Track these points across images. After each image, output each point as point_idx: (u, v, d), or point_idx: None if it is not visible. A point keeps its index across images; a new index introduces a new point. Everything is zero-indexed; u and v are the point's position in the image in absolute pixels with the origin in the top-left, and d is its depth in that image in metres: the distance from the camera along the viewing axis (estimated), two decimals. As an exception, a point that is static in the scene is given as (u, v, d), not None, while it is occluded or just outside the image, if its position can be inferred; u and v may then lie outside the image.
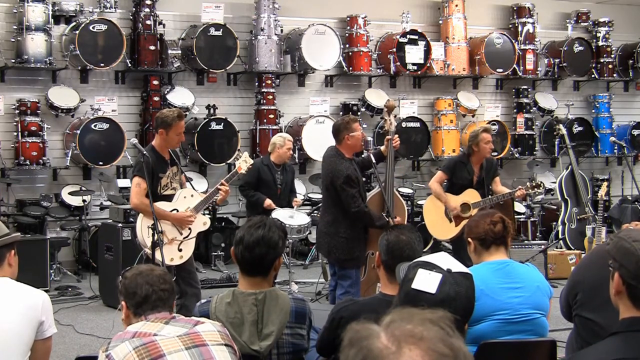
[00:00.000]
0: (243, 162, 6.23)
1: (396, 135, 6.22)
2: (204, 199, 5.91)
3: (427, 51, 10.60)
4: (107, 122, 8.90)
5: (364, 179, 6.37)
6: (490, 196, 6.88)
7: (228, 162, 9.59)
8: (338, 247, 5.90)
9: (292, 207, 7.66)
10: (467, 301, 2.14)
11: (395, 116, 6.49)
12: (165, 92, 9.49)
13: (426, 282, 2.13)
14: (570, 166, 10.18)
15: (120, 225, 7.27)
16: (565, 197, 10.01)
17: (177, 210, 5.77)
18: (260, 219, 3.04)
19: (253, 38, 9.85)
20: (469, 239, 3.57)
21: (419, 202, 10.03)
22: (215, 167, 9.68)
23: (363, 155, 6.39)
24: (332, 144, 6.06)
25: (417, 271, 2.16)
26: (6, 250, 3.27)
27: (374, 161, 6.10)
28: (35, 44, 8.70)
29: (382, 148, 6.24)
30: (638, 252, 2.13)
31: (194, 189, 6.01)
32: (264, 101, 9.86)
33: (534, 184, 7.02)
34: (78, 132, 8.74)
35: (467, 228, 3.61)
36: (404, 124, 10.38)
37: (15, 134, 8.72)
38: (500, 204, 6.86)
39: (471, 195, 6.87)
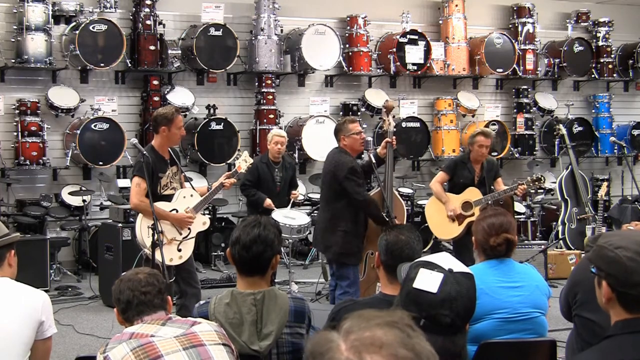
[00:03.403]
0: (243, 161, 6.25)
1: (394, 137, 6.22)
2: (204, 198, 5.90)
3: (427, 51, 10.60)
4: (107, 122, 8.90)
5: (366, 179, 6.37)
6: (491, 193, 6.88)
7: (228, 162, 9.59)
8: (337, 242, 5.90)
9: (290, 202, 7.67)
10: (468, 301, 2.14)
11: (394, 116, 6.49)
12: (165, 92, 9.49)
13: (427, 281, 2.13)
14: (570, 166, 10.18)
15: (120, 225, 7.27)
16: (565, 197, 10.01)
17: (177, 211, 5.77)
18: (254, 218, 3.05)
19: (253, 38, 9.85)
20: (474, 238, 3.57)
21: (419, 202, 10.03)
22: (215, 167, 9.68)
23: (363, 156, 6.39)
24: (333, 144, 6.09)
25: (418, 271, 2.16)
26: (6, 251, 3.27)
27: (374, 161, 6.10)
28: (35, 44, 8.70)
29: (379, 149, 6.23)
30: (623, 260, 2.11)
31: (193, 188, 6.00)
32: (264, 101, 9.86)
33: (534, 178, 7.01)
34: (78, 132, 8.74)
35: (475, 228, 3.58)
36: (404, 124, 10.38)
37: (15, 134, 8.73)
38: (500, 204, 6.85)
39: (472, 194, 6.87)
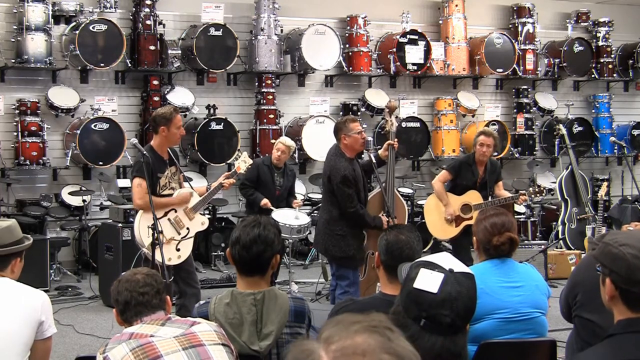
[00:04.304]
0: (242, 162, 6.26)
1: (396, 139, 6.23)
2: (203, 197, 5.92)
3: (427, 51, 10.59)
4: (107, 122, 8.90)
5: (366, 179, 6.37)
6: (492, 199, 6.87)
7: (228, 162, 9.59)
8: (334, 245, 5.91)
9: (292, 207, 7.67)
10: (468, 301, 2.14)
11: (396, 117, 6.49)
12: (165, 92, 9.49)
13: (428, 281, 2.13)
14: (570, 166, 10.18)
15: (120, 225, 7.27)
16: (565, 197, 10.01)
17: (175, 210, 5.79)
18: (254, 218, 3.04)
19: (253, 38, 9.85)
20: (475, 238, 3.56)
21: (419, 202, 10.03)
22: (215, 167, 9.68)
23: (363, 156, 6.40)
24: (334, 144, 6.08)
25: (419, 271, 2.16)
26: (12, 258, 3.26)
27: (374, 161, 6.10)
28: (35, 44, 8.70)
29: (381, 151, 6.24)
30: (627, 257, 2.12)
31: (192, 188, 6.01)
32: (264, 101, 9.86)
33: (536, 190, 7.02)
34: (78, 132, 8.73)
35: (476, 228, 3.57)
36: (404, 124, 10.38)
37: (15, 134, 8.72)
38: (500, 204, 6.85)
39: (473, 197, 6.87)
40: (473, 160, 6.96)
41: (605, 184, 9.12)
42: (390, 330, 1.26)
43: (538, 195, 7.00)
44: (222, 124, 9.47)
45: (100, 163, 8.92)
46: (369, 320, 1.28)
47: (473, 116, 11.15)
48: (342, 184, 5.77)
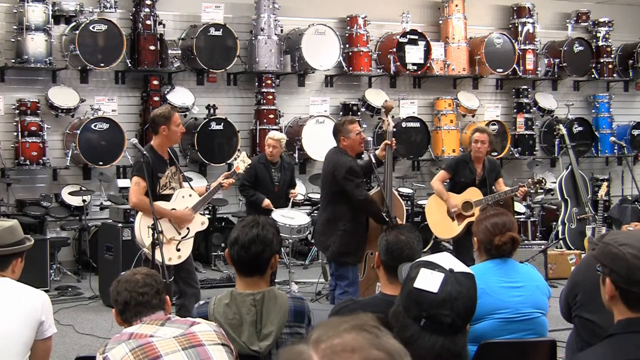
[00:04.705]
0: (241, 162, 6.25)
1: (393, 139, 6.24)
2: (203, 198, 5.91)
3: (427, 51, 10.59)
4: (107, 122, 8.90)
5: (364, 179, 6.38)
6: (492, 194, 6.87)
7: (228, 162, 9.59)
8: (336, 241, 5.91)
9: (290, 202, 7.68)
10: (469, 301, 2.14)
11: (392, 117, 6.50)
12: (165, 92, 9.49)
13: (428, 281, 2.13)
14: (570, 166, 10.18)
15: (120, 225, 7.27)
16: (565, 197, 10.01)
17: (175, 210, 5.78)
18: (252, 218, 3.04)
19: (253, 38, 9.85)
20: (476, 238, 3.56)
21: (419, 202, 10.03)
22: (215, 167, 9.68)
23: (363, 156, 6.41)
24: (333, 145, 6.11)
25: (419, 270, 2.16)
26: (14, 258, 3.26)
27: (374, 161, 6.11)
28: (35, 44, 8.70)
29: (378, 152, 6.25)
30: (627, 257, 2.13)
31: (192, 188, 6.00)
32: (264, 101, 9.86)
33: (535, 180, 7.01)
34: (78, 132, 8.73)
35: (476, 229, 3.57)
36: (404, 124, 10.38)
37: (15, 134, 8.72)
38: (500, 204, 6.85)
39: (473, 194, 6.87)
40: (470, 158, 6.97)
41: (605, 184, 9.12)
42: (377, 329, 1.28)
43: (538, 185, 6.98)
44: (222, 124, 9.48)
45: (100, 163, 8.93)
46: (356, 320, 1.30)
47: (473, 116, 11.15)
48: (349, 175, 5.80)
